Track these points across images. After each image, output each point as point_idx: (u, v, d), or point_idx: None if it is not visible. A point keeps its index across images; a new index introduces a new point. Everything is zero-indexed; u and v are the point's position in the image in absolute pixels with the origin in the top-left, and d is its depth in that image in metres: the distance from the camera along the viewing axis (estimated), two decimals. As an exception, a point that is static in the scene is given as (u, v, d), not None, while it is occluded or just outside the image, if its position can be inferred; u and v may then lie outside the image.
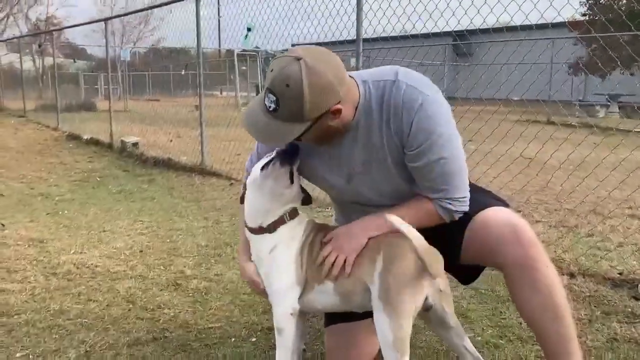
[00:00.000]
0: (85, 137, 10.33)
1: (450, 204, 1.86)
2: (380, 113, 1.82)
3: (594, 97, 16.31)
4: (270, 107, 1.70)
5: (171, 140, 9.29)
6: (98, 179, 6.67)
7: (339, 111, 1.75)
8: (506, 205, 2.01)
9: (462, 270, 2.05)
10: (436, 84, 1.89)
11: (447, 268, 2.11)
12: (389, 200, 1.94)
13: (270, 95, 1.69)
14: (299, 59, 1.65)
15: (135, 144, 8.70)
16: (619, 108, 15.10)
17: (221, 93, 21.65)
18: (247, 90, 23.42)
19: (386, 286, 1.70)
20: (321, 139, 1.84)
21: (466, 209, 1.88)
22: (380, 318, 1.69)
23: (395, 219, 1.73)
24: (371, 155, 1.89)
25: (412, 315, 1.69)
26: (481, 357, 1.89)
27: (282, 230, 1.90)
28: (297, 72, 1.64)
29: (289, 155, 1.86)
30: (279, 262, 1.87)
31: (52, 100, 15.29)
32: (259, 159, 2.00)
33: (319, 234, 1.93)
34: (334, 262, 1.84)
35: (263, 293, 1.97)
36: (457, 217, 1.88)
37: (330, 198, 2.28)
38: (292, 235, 1.90)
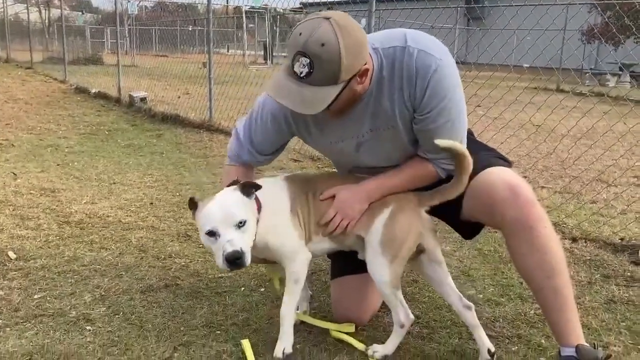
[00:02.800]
0: (93, 90, 10.33)
1: (449, 164, 1.93)
2: (392, 81, 1.84)
3: (606, 65, 16.12)
4: (301, 72, 1.67)
5: (179, 97, 9.29)
6: (107, 132, 6.71)
7: (366, 72, 1.76)
8: (508, 164, 2.05)
9: (463, 226, 2.10)
10: (447, 48, 1.91)
11: (449, 223, 2.18)
12: (396, 164, 2.01)
13: (303, 59, 1.65)
14: (327, 18, 1.65)
15: (143, 99, 8.70)
16: (631, 77, 14.93)
17: (228, 51, 21.46)
18: (255, 48, 23.21)
19: (391, 235, 1.89)
20: (343, 107, 1.85)
21: None
22: (378, 261, 1.90)
23: None
24: (381, 122, 1.92)
25: (407, 258, 1.92)
26: (461, 295, 2.01)
27: (265, 202, 1.95)
28: (330, 31, 1.63)
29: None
30: (278, 229, 1.95)
31: (59, 52, 15.23)
32: (251, 130, 2.13)
33: (308, 192, 2.02)
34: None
35: None
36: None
37: (334, 164, 2.32)
38: (276, 201, 1.98)
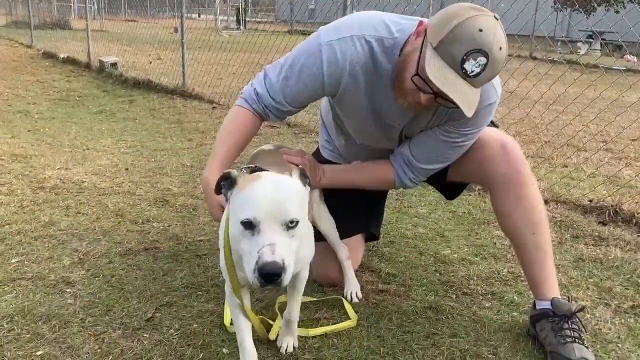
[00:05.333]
0: (61, 55, 10.06)
1: (418, 181, 2.03)
2: None
3: (578, 33, 16.27)
4: (472, 71, 1.52)
5: (151, 62, 9.11)
6: (77, 98, 6.57)
7: None
8: (495, 126, 2.10)
9: (447, 188, 2.15)
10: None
11: (433, 185, 2.23)
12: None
13: (481, 59, 1.50)
14: (497, 18, 1.55)
15: (114, 64, 8.52)
16: (602, 45, 15.12)
17: (199, 16, 21.01)
18: (227, 13, 22.77)
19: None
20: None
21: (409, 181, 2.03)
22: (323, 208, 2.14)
23: None
24: (420, 121, 1.90)
25: None
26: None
27: None
28: (504, 35, 1.54)
29: None
30: (308, 233, 1.70)
31: (24, 16, 14.72)
32: (286, 80, 1.83)
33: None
34: None
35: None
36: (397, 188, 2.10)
37: (340, 137, 2.21)
38: None
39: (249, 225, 1.31)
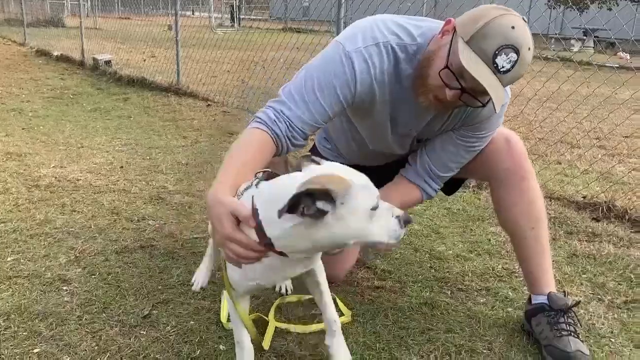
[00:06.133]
0: (55, 53, 10.03)
1: (436, 190, 2.05)
2: None
3: (571, 30, 16.33)
4: (503, 67, 1.51)
5: (145, 60, 9.09)
6: (71, 96, 6.55)
7: None
8: None
9: (446, 183, 2.16)
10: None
11: None
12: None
13: (513, 55, 1.50)
14: (525, 21, 1.56)
15: (108, 62, 8.50)
16: (595, 42, 15.18)
17: (193, 13, 20.96)
18: (221, 11, 22.73)
19: None
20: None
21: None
22: None
23: None
24: (434, 125, 1.90)
25: None
26: None
27: None
28: (532, 38, 1.55)
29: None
30: None
31: (16, 14, 14.65)
32: (304, 98, 1.68)
33: None
34: None
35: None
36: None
37: (351, 143, 2.14)
38: None
39: (375, 208, 1.35)
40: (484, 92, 1.53)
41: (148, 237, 2.66)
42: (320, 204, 1.27)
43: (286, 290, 2.21)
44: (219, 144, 4.51)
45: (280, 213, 1.27)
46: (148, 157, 4.05)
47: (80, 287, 2.18)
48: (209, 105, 6.19)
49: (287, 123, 1.67)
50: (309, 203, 1.26)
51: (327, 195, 1.27)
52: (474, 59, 1.52)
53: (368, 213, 1.33)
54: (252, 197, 1.40)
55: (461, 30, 1.56)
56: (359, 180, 1.35)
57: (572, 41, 15.22)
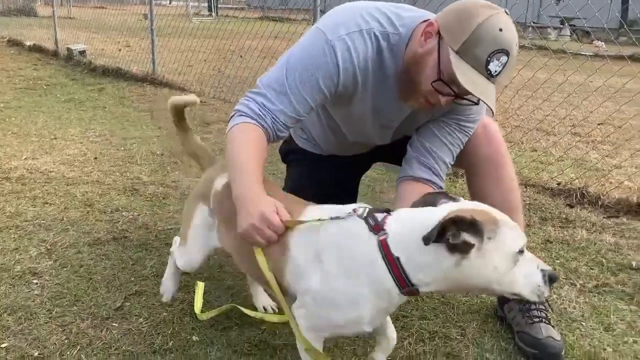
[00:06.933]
0: (27, 43, 9.83)
1: (443, 178, 1.92)
2: None
3: (548, 19, 16.45)
4: (496, 71, 1.50)
5: (120, 50, 8.96)
6: (45, 87, 6.43)
7: None
8: None
9: None
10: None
11: None
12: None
13: (503, 58, 1.49)
14: (507, 14, 1.53)
15: (82, 52, 8.35)
16: (571, 31, 15.32)
17: (170, 2, 20.68)
18: (199, 0, 22.46)
19: None
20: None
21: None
22: None
23: None
24: (417, 117, 1.87)
25: None
26: None
27: None
28: (515, 29, 1.52)
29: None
30: None
31: (-13, 3, 14.31)
32: (286, 86, 1.64)
33: None
34: None
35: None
36: None
37: (329, 134, 2.07)
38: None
39: (521, 252, 1.29)
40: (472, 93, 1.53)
41: (121, 229, 2.63)
42: (466, 235, 1.22)
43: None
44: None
45: (427, 240, 1.21)
46: (123, 148, 3.99)
47: (51, 280, 2.14)
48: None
49: (272, 117, 1.64)
50: (455, 232, 1.22)
51: (474, 228, 1.22)
52: (467, 71, 1.50)
53: (513, 256, 1.27)
54: (387, 243, 1.31)
55: (449, 38, 1.52)
56: (507, 219, 1.30)
57: (549, 29, 15.34)
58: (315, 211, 1.50)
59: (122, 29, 9.37)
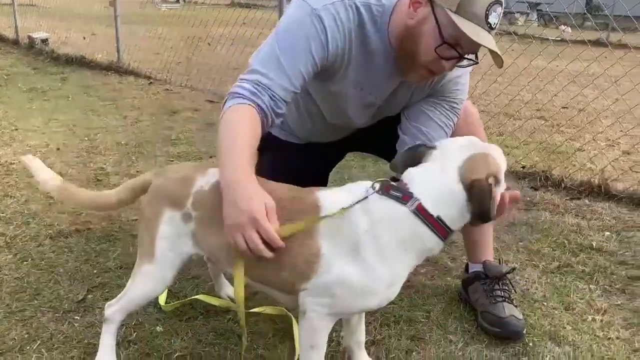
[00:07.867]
0: (-14, 32, 9.53)
1: None
2: None
3: (516, 5, 16.61)
4: (494, 23, 1.53)
5: (84, 38, 8.75)
6: (5, 76, 6.25)
7: None
8: None
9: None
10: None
11: (383, 156, 2.19)
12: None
13: (499, 8, 1.52)
14: None
15: (45, 41, 8.14)
16: (538, 16, 15.52)
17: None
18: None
19: None
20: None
21: None
22: None
23: None
24: (398, 95, 1.84)
25: None
26: None
27: None
28: None
29: None
30: None
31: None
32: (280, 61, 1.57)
33: None
34: None
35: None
36: None
37: (302, 118, 2.01)
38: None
39: None
40: (477, 49, 1.57)
41: (84, 221, 2.58)
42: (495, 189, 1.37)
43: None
44: (160, 123, 4.40)
45: (492, 217, 1.37)
46: (86, 138, 3.91)
47: (10, 274, 2.10)
48: (151, 83, 6.03)
49: (269, 94, 1.55)
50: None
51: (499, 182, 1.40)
52: (472, 27, 1.50)
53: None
54: (423, 207, 1.35)
55: (444, 0, 1.51)
56: (500, 158, 1.44)
57: (517, 15, 15.50)
58: (329, 196, 1.44)
59: (88, 16, 9.16)
